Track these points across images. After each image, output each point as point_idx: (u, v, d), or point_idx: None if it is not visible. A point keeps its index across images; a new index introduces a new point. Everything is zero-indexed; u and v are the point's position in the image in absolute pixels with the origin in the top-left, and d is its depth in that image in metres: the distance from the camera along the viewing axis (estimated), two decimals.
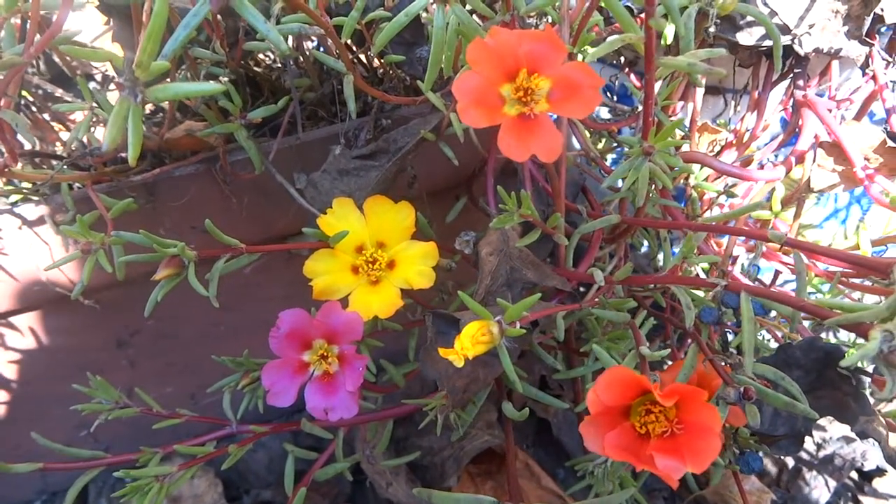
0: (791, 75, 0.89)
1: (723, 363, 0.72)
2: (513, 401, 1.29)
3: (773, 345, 1.12)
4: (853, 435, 1.20)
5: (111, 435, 1.16)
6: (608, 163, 1.22)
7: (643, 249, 1.29)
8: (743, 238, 0.99)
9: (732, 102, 0.99)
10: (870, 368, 0.83)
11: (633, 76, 1.02)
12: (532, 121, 0.57)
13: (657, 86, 0.82)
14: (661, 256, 1.26)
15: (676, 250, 1.30)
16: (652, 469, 0.52)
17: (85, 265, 0.62)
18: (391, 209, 0.74)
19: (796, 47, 0.80)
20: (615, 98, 1.04)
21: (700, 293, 1.00)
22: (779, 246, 0.57)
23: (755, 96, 0.91)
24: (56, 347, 1.00)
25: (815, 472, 1.16)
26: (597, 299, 0.80)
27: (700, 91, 0.87)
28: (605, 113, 1.06)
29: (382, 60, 0.92)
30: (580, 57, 0.74)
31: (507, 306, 0.59)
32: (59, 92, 0.94)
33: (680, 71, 0.63)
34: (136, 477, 0.64)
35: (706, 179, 0.91)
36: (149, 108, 1.10)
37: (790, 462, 1.21)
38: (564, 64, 0.57)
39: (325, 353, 0.70)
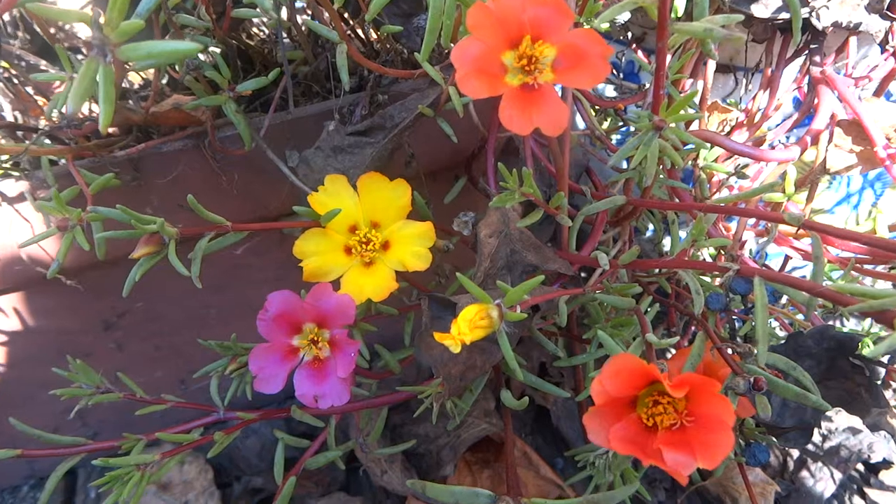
0: (806, 52, 0.85)
1: (731, 352, 0.69)
2: (511, 388, 1.26)
3: (781, 333, 1.09)
4: (860, 426, 1.17)
5: (99, 419, 1.13)
6: (613, 143, 1.19)
7: (647, 234, 1.25)
8: (752, 222, 0.95)
9: (744, 80, 0.95)
10: (885, 359, 0.80)
11: (640, 52, 0.98)
12: (536, 91, 0.53)
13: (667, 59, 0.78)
14: (667, 240, 1.23)
15: (683, 234, 1.27)
16: (659, 464, 0.49)
17: (61, 242, 0.59)
18: (386, 187, 0.71)
19: (814, 21, 0.76)
20: (621, 76, 1.00)
21: (706, 279, 0.97)
22: (794, 229, 0.54)
23: (768, 74, 0.88)
24: (40, 329, 0.96)
25: (820, 464, 1.13)
26: (600, 284, 0.77)
27: (711, 66, 0.84)
28: (610, 91, 1.03)
29: (379, 33, 0.88)
30: (587, 26, 0.70)
31: (507, 289, 0.55)
32: (43, 64, 0.91)
33: (695, 39, 0.59)
34: (116, 465, 0.61)
35: (715, 160, 0.87)
36: (137, 82, 1.06)
37: (794, 453, 1.18)
38: (571, 31, 0.53)
39: (316, 338, 0.66)
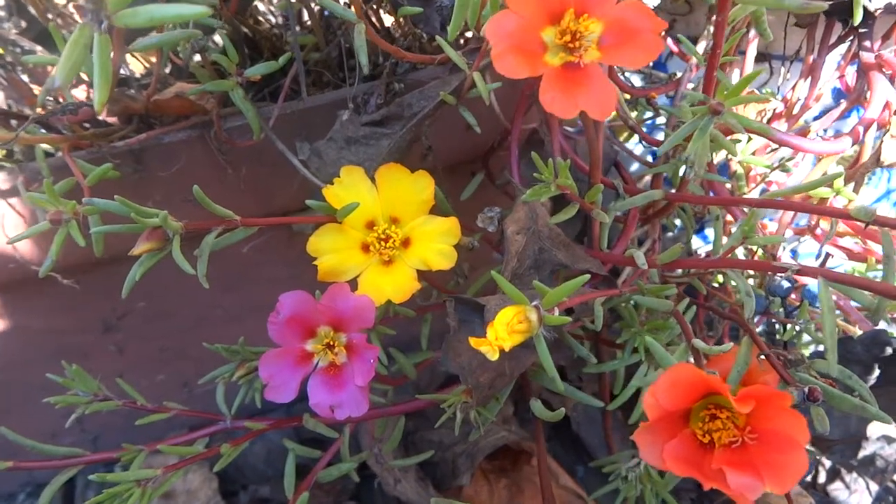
0: (851, 37, 0.80)
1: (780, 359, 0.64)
2: (525, 393, 1.21)
3: (806, 338, 1.03)
4: (895, 434, 1.12)
5: (100, 424, 1.08)
6: (636, 141, 1.13)
7: (669, 233, 1.20)
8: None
9: (782, 69, 0.90)
10: None
11: (669, 40, 0.93)
12: (580, 71, 0.48)
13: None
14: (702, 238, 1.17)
15: (707, 233, 1.22)
16: (721, 486, 0.44)
17: (55, 238, 0.54)
18: (407, 179, 0.65)
19: (865, 2, 0.71)
20: (650, 64, 0.95)
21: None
22: (864, 225, 0.48)
23: (809, 61, 0.82)
24: (36, 331, 0.92)
25: (854, 475, 1.08)
26: (633, 285, 0.72)
27: (751, 53, 0.78)
28: (637, 80, 0.97)
29: (397, 15, 0.83)
30: None
31: (545, 290, 0.50)
32: (39, 50, 0.85)
33: (748, 17, 0.54)
34: (115, 481, 0.56)
35: (753, 153, 0.82)
36: (140, 70, 1.01)
37: (826, 462, 1.12)
38: (618, 4, 0.48)
39: (332, 342, 0.61)
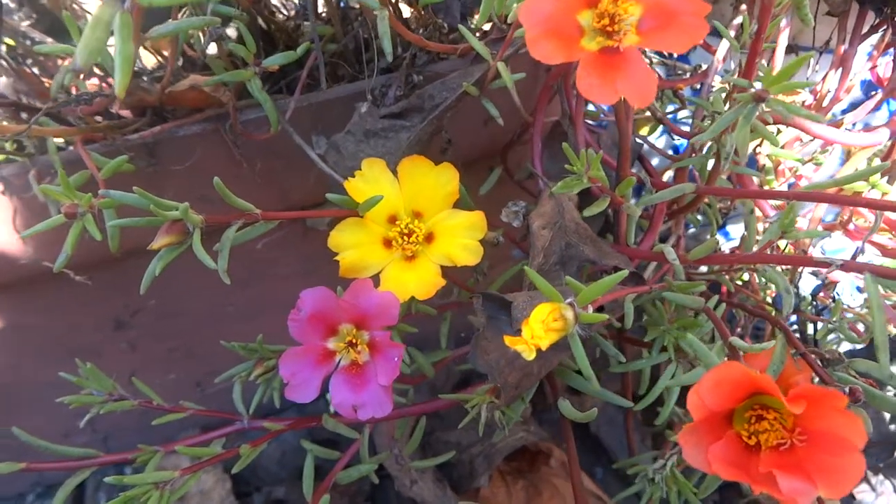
0: (885, 27, 0.77)
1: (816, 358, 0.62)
2: (545, 393, 1.19)
3: (830, 336, 1.01)
4: None
5: (111, 425, 1.06)
6: (657, 135, 1.11)
7: (690, 230, 1.17)
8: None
9: (811, 60, 0.87)
10: None
11: None
12: (618, 56, 0.46)
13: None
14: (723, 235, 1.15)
15: (728, 229, 1.20)
16: (772, 491, 0.41)
17: (70, 231, 0.52)
18: (430, 172, 0.63)
19: None
20: (673, 55, 0.92)
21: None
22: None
23: (840, 52, 0.80)
24: (48, 328, 0.90)
25: (881, 476, 1.05)
26: (662, 281, 0.70)
27: (783, 42, 0.76)
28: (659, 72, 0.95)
29: (416, 6, 0.81)
30: None
31: (579, 287, 0.48)
32: (50, 41, 0.84)
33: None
34: (132, 484, 0.54)
35: (782, 147, 0.80)
36: (151, 63, 0.99)
37: None
38: None
39: (354, 340, 0.59)
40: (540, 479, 1.07)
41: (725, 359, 0.60)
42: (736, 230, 1.14)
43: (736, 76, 0.72)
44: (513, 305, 0.58)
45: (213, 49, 0.81)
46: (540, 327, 0.43)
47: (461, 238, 0.62)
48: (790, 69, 0.46)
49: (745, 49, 0.67)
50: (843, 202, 0.62)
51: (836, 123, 0.78)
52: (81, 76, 0.67)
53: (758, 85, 0.49)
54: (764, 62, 0.85)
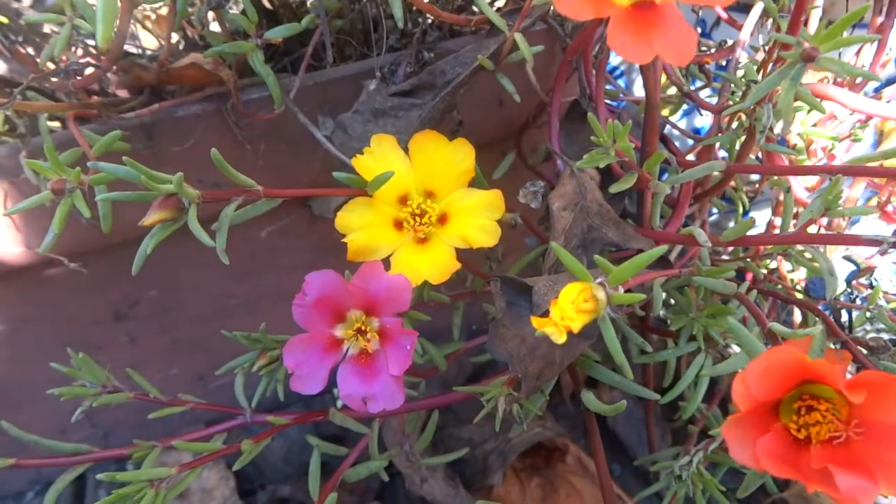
0: None
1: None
2: (563, 386, 1.14)
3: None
4: None
5: (111, 420, 1.03)
6: (678, 118, 1.07)
7: (714, 216, 1.13)
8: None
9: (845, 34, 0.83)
10: None
11: (718, 8, 0.86)
12: (653, 11, 0.42)
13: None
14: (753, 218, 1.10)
15: (752, 216, 1.15)
16: (827, 489, 0.37)
17: (58, 209, 0.48)
18: (444, 148, 0.59)
19: None
20: (698, 30, 0.88)
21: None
22: None
23: (876, 23, 0.75)
24: (44, 320, 0.86)
25: None
26: (690, 266, 0.65)
27: (815, 15, 0.71)
28: None
29: None
30: None
31: (609, 268, 0.44)
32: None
33: None
34: (125, 481, 0.50)
35: (814, 125, 0.75)
36: (153, 45, 0.95)
37: None
38: None
39: (363, 327, 0.55)
40: (556, 477, 1.03)
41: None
42: (761, 217, 1.09)
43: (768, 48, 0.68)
44: (534, 290, 0.54)
45: (215, 29, 0.78)
46: (570, 308, 0.39)
47: (477, 218, 0.58)
48: (842, 24, 0.42)
49: (784, 14, 0.63)
50: (893, 174, 0.58)
51: (877, 96, 0.73)
52: (73, 48, 0.63)
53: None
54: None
